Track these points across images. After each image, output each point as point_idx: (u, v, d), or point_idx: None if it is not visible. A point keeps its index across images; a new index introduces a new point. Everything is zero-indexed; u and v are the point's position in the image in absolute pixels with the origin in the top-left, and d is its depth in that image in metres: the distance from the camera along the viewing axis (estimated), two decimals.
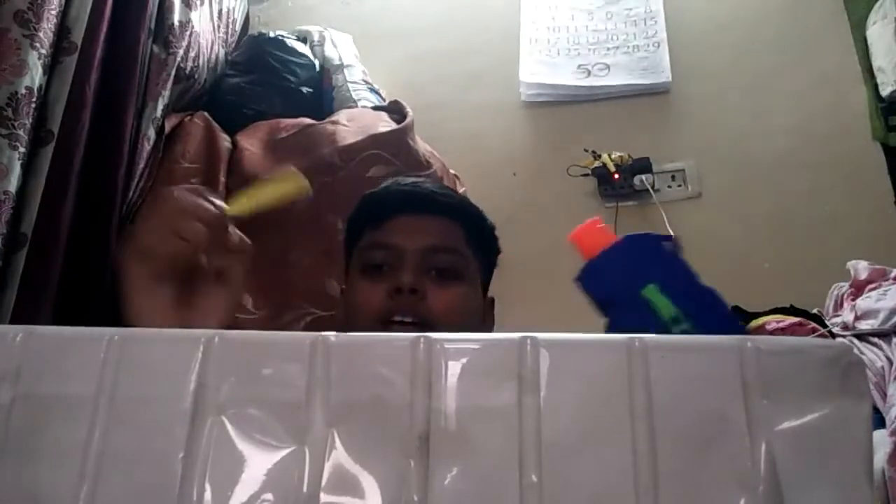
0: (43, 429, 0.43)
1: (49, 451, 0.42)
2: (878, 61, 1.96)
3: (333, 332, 0.44)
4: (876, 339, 1.51)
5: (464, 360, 0.43)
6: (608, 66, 2.21)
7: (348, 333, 0.44)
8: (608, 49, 2.24)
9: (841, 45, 2.09)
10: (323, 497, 0.40)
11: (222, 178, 1.83)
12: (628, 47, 2.23)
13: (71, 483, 0.41)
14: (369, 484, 0.41)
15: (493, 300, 1.18)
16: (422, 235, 1.04)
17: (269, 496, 0.40)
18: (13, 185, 1.45)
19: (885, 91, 1.93)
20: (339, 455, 0.41)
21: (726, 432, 0.42)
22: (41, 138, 1.54)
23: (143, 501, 0.41)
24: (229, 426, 0.42)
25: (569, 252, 2.17)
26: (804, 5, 2.17)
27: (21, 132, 1.47)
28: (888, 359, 1.45)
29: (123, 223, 1.72)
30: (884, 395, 1.39)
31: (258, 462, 0.41)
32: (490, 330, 1.15)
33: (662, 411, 0.42)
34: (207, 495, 0.40)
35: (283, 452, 0.41)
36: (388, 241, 1.05)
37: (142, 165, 1.77)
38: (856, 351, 0.46)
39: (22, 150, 1.47)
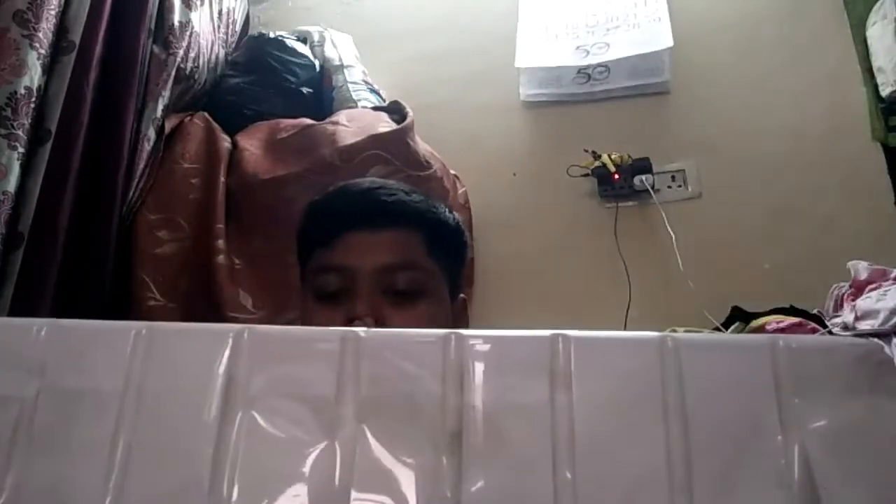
0: (69, 423, 0.42)
1: (75, 445, 0.41)
2: (878, 61, 1.96)
3: (363, 328, 0.44)
4: (876, 340, 1.50)
5: (495, 357, 0.43)
6: (608, 45, 2.20)
7: (378, 329, 0.44)
8: (608, 30, 2.23)
9: (841, 45, 2.09)
10: (354, 493, 0.40)
11: (222, 179, 1.83)
12: (629, 25, 2.22)
13: (98, 478, 0.40)
14: (401, 480, 0.40)
15: (464, 301, 1.11)
16: (375, 254, 0.96)
17: (300, 490, 0.40)
18: (12, 185, 1.44)
19: (885, 91, 1.92)
20: (370, 451, 0.41)
21: (760, 431, 0.42)
22: (39, 137, 1.53)
23: (173, 496, 0.40)
24: (260, 420, 0.41)
25: (568, 252, 2.17)
26: (804, 5, 2.17)
27: (20, 132, 1.46)
28: None
29: (123, 223, 1.71)
30: None
31: (289, 456, 0.41)
32: None
33: (695, 409, 0.42)
34: (237, 489, 0.40)
35: (315, 447, 0.41)
36: (340, 262, 0.97)
37: (142, 165, 1.76)
38: (886, 349, 0.45)
39: (21, 150, 1.46)
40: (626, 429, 0.42)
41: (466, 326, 1.08)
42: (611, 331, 0.45)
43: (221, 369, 0.42)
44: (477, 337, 0.43)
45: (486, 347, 0.43)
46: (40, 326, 0.44)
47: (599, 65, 2.19)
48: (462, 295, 1.11)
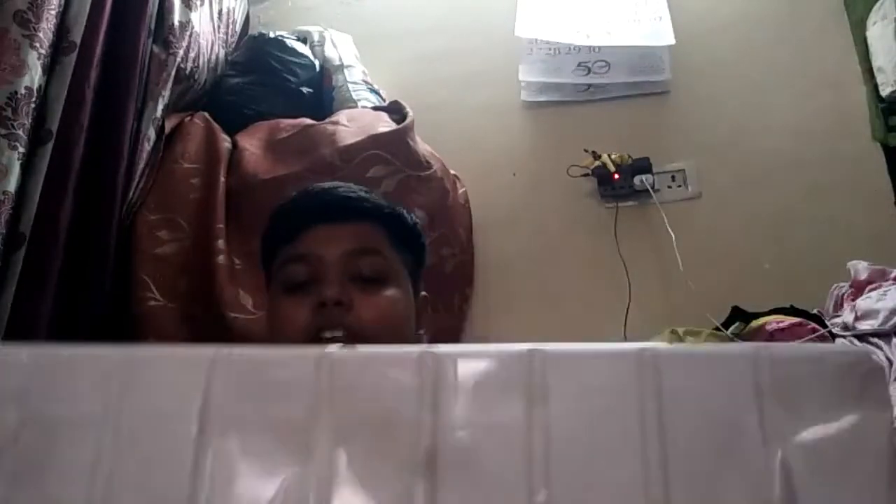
0: (51, 450, 0.42)
1: (58, 472, 0.42)
2: (878, 61, 1.95)
3: (338, 346, 0.44)
4: (876, 340, 1.50)
5: (470, 374, 0.42)
6: (609, 33, 2.19)
7: (352, 349, 0.44)
8: (608, 21, 2.22)
9: (841, 45, 2.08)
10: None
11: (222, 179, 1.83)
12: (629, 20, 2.22)
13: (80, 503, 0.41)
14: (376, 501, 0.40)
15: (426, 298, 1.13)
16: (340, 242, 1.00)
17: None
18: (12, 185, 1.44)
19: (885, 91, 1.91)
20: (345, 474, 0.41)
21: (740, 442, 0.42)
22: (40, 137, 1.53)
23: None
24: (235, 446, 0.41)
25: (568, 252, 2.17)
26: (804, 5, 2.16)
27: (20, 132, 1.46)
28: (888, 359, 1.45)
29: (123, 223, 1.71)
30: None
31: (264, 481, 0.41)
32: (424, 329, 1.11)
33: (674, 422, 0.42)
34: None
35: (289, 470, 0.41)
36: (306, 251, 1.00)
37: (142, 165, 1.76)
38: (875, 357, 0.45)
39: (21, 150, 1.46)
40: (602, 444, 0.42)
41: (430, 324, 1.12)
42: (588, 343, 0.45)
43: (199, 393, 0.42)
44: (452, 354, 0.43)
45: (461, 365, 0.43)
46: (22, 353, 0.44)
47: (599, 60, 2.18)
48: (424, 293, 1.13)
